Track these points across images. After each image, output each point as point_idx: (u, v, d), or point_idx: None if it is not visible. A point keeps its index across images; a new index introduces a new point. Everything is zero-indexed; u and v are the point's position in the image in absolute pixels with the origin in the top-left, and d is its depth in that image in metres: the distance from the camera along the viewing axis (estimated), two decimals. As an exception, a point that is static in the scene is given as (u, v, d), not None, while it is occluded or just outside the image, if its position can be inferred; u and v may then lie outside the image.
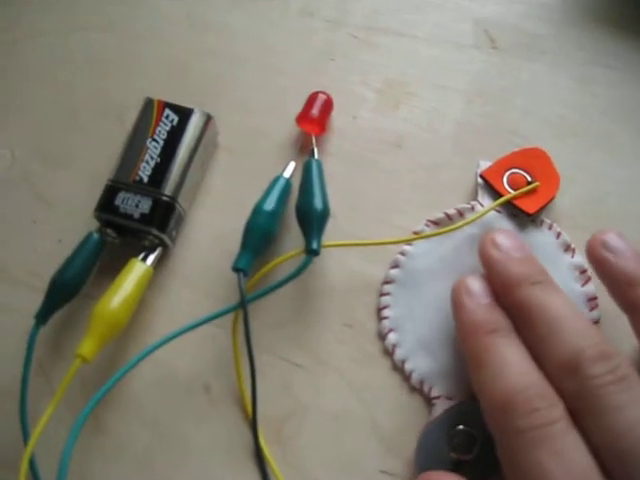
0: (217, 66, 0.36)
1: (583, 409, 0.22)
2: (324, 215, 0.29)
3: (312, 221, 0.29)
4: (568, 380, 0.23)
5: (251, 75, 0.35)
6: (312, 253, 0.28)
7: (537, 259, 0.27)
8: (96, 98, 0.35)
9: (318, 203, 0.29)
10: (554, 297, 0.25)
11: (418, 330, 0.29)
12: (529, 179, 0.31)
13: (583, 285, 0.29)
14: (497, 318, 0.25)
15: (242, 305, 0.28)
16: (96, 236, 0.30)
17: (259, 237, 0.29)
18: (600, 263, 0.26)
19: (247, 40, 0.36)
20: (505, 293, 0.26)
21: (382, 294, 0.30)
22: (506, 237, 0.27)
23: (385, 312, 0.30)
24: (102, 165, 0.32)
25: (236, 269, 0.28)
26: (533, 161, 0.31)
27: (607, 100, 0.34)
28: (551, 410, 0.22)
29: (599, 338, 0.23)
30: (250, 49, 0.36)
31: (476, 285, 0.26)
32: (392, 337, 0.29)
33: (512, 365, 0.23)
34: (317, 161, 0.31)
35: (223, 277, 0.31)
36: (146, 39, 0.37)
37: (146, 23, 0.37)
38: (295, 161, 0.32)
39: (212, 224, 0.32)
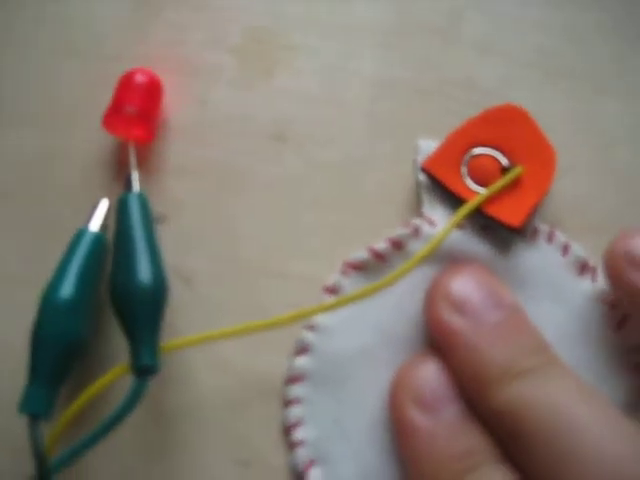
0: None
1: None
2: (157, 296, 0.17)
3: (135, 313, 0.16)
4: None
5: (19, 62, 0.21)
6: (144, 372, 0.16)
7: (526, 315, 0.16)
8: None
9: (143, 277, 0.17)
10: (564, 389, 0.15)
11: (358, 457, 0.17)
12: (504, 162, 0.18)
13: (619, 327, 0.18)
14: (472, 442, 0.15)
15: (42, 474, 0.16)
16: None
17: (56, 352, 0.17)
18: (628, 292, 0.16)
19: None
20: (480, 393, 0.15)
21: (288, 402, 0.18)
22: (467, 282, 0.17)
23: (298, 434, 0.18)
24: None
25: (26, 413, 0.16)
26: (507, 129, 0.19)
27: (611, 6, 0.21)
28: None
29: None
30: (12, 16, 0.22)
31: (432, 380, 0.16)
32: (315, 475, 0.17)
33: None
34: (139, 196, 0.18)
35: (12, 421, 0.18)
36: None
37: None
38: (109, 197, 0.19)
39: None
